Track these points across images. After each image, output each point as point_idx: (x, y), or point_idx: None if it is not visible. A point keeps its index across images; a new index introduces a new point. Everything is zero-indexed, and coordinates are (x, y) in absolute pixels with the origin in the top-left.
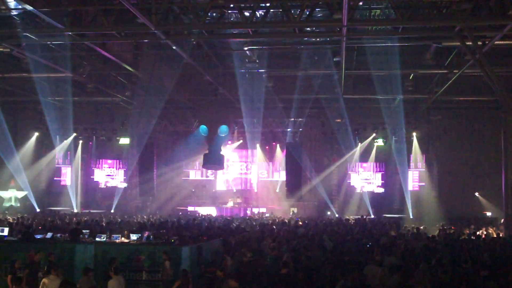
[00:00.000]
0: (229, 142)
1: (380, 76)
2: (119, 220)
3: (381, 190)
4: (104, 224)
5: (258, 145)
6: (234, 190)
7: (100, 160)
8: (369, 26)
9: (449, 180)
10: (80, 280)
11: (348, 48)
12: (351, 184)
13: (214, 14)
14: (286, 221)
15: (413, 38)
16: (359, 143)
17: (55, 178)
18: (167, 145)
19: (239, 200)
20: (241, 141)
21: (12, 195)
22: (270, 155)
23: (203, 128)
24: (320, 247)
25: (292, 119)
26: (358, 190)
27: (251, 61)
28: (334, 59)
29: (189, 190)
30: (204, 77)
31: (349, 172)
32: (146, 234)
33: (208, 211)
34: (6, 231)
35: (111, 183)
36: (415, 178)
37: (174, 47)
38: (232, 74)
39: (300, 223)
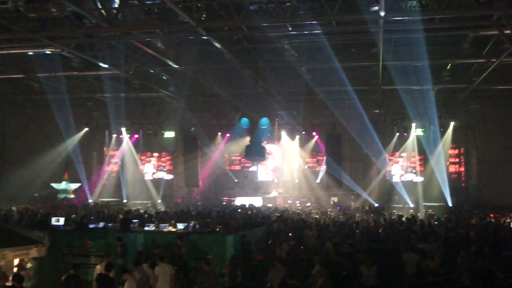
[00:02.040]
0: (269, 134)
1: (417, 66)
2: (166, 210)
3: (420, 179)
4: (152, 214)
5: (298, 137)
6: (276, 181)
7: (147, 153)
8: (406, 17)
9: (488, 169)
10: (137, 268)
11: (385, 39)
12: (390, 173)
13: (253, 9)
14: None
15: (450, 28)
16: (397, 133)
17: (105, 171)
18: (211, 137)
19: (281, 190)
20: (282, 133)
21: (66, 187)
22: (310, 146)
23: (244, 120)
24: (364, 234)
25: (331, 110)
26: (396, 180)
27: (290, 55)
28: (372, 51)
29: (232, 181)
30: (245, 71)
31: (387, 162)
32: (192, 223)
33: (250, 201)
34: (62, 221)
35: (158, 175)
36: (452, 167)
37: (215, 43)
38: (271, 67)
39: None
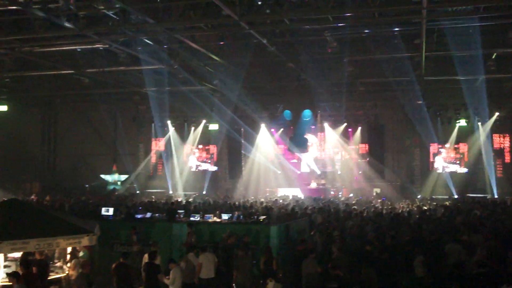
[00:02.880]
0: (312, 126)
1: (461, 56)
2: (211, 201)
3: (464, 170)
4: (197, 205)
5: (340, 128)
6: (318, 172)
7: (192, 145)
8: (449, 7)
9: None
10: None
11: (428, 30)
12: (433, 164)
13: (295, 1)
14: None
15: (495, 17)
16: (441, 124)
17: (152, 163)
18: (253, 129)
19: (323, 181)
20: (324, 124)
21: (115, 179)
22: (352, 138)
23: (287, 113)
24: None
25: (373, 101)
26: (440, 171)
27: (332, 47)
28: (414, 42)
29: (275, 172)
30: (287, 64)
31: (431, 153)
32: (236, 214)
33: (293, 192)
34: (111, 211)
35: (202, 167)
36: (498, 157)
37: (257, 36)
38: (313, 60)
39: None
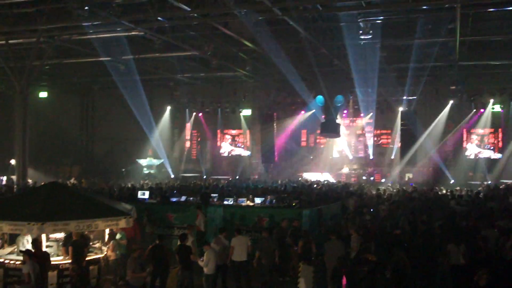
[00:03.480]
0: (345, 111)
1: (497, 41)
2: (244, 185)
3: (498, 155)
4: (230, 189)
5: (372, 114)
6: (350, 157)
7: (225, 130)
8: None
9: None
10: (214, 239)
11: (463, 14)
12: (467, 150)
13: None
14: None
15: None
16: (475, 109)
17: (186, 148)
18: (286, 115)
19: (355, 166)
20: (356, 109)
21: (150, 163)
22: (384, 123)
23: (319, 98)
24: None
25: (406, 87)
26: (473, 156)
27: (365, 32)
28: (449, 26)
29: (307, 157)
30: (320, 50)
31: (464, 138)
32: (269, 198)
33: (325, 177)
34: (147, 194)
35: (236, 152)
36: None
37: (290, 23)
38: (346, 45)
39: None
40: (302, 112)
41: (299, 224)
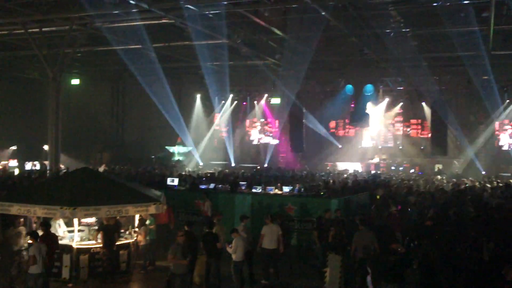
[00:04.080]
0: (374, 100)
1: None
2: (272, 173)
3: None
4: (259, 177)
5: (402, 103)
6: (380, 147)
7: (254, 118)
8: None
9: None
10: (240, 227)
11: (497, 2)
12: (499, 141)
13: None
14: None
15: None
16: (508, 100)
17: (215, 135)
18: (315, 104)
19: (384, 156)
20: (386, 99)
21: (179, 150)
22: (414, 113)
23: (349, 87)
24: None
25: (437, 77)
26: (506, 148)
27: (396, 21)
28: (482, 15)
29: (336, 146)
30: (350, 38)
31: (496, 129)
32: (297, 186)
33: (354, 166)
34: (176, 181)
35: (264, 140)
36: None
37: (320, 11)
38: (376, 34)
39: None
40: (331, 100)
41: (341, 214)
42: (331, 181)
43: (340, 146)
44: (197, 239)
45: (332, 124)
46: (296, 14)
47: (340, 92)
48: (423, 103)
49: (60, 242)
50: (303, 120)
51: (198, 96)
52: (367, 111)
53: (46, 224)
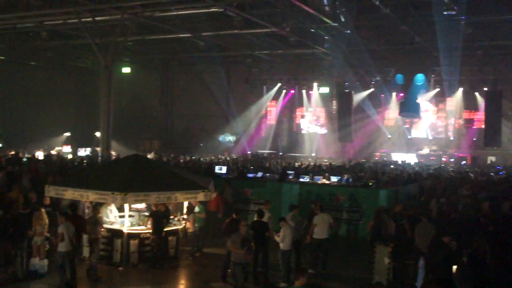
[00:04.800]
0: (425, 90)
1: None
2: (320, 163)
3: None
4: (306, 166)
5: (455, 93)
6: (430, 138)
7: (302, 108)
8: None
9: None
10: (288, 216)
11: None
12: None
13: None
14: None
15: None
16: None
17: (262, 124)
18: (365, 93)
19: (434, 147)
20: (437, 89)
21: (227, 139)
22: (467, 103)
23: (399, 77)
24: None
25: (492, 66)
26: None
27: (449, 8)
28: None
29: (385, 137)
30: (401, 27)
31: None
32: (345, 176)
33: (403, 157)
34: (224, 169)
35: (312, 129)
36: None
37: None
38: (429, 22)
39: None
40: (381, 90)
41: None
42: (380, 171)
43: (389, 136)
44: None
45: (382, 114)
46: (346, 2)
47: (390, 81)
48: (476, 93)
49: (110, 227)
50: (352, 110)
51: (247, 84)
52: (417, 101)
53: (73, 206)
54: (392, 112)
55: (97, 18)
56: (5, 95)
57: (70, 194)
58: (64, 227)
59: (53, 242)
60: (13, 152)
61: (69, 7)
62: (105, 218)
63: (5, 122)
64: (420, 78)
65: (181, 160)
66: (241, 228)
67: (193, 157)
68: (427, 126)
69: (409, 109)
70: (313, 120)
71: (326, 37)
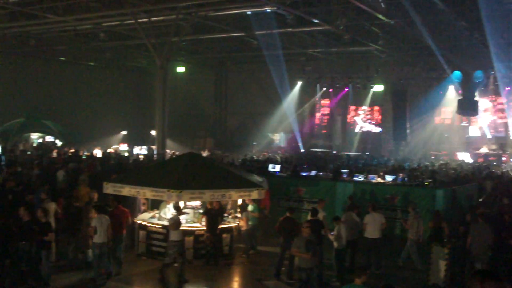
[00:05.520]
0: (482, 88)
1: None
2: (375, 161)
3: None
4: (360, 165)
5: None
6: (489, 137)
7: (356, 106)
8: None
9: None
10: (345, 214)
11: None
12: None
13: None
14: None
15: None
16: None
17: (316, 122)
18: (420, 91)
19: (493, 147)
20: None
21: (280, 137)
22: None
23: (456, 74)
24: None
25: None
26: None
27: (509, 1)
28: None
29: (442, 135)
30: (458, 22)
31: None
32: (400, 176)
33: (461, 156)
34: (277, 167)
35: (366, 128)
36: None
37: None
38: (488, 17)
39: None
40: (437, 87)
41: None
42: (436, 170)
43: (446, 135)
44: (298, 225)
45: (438, 112)
46: None
47: (447, 78)
48: None
49: (166, 223)
50: (407, 108)
51: (300, 83)
52: (476, 98)
53: (117, 199)
54: (449, 110)
55: (152, 19)
56: (66, 95)
57: (127, 191)
58: (97, 220)
59: (90, 234)
60: (72, 150)
61: (126, 9)
62: (162, 215)
63: (66, 121)
64: (478, 75)
65: (235, 158)
66: (303, 230)
67: (247, 155)
68: (486, 125)
69: (467, 107)
70: (367, 119)
71: (381, 34)
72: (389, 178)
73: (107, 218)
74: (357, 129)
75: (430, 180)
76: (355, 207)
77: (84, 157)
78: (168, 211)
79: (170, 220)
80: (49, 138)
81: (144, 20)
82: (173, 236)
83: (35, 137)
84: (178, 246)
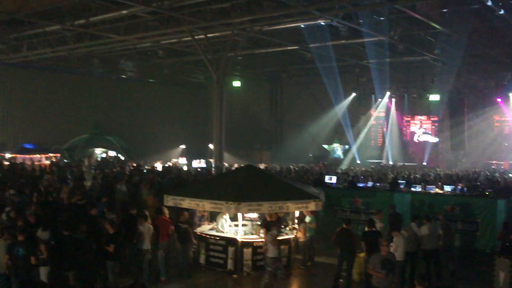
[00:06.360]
0: None
1: None
2: (432, 172)
3: None
4: (419, 176)
5: None
6: None
7: (412, 116)
8: None
9: None
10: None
11: None
12: None
13: None
14: None
15: None
16: None
17: (372, 134)
18: (477, 100)
19: None
20: None
21: (337, 149)
22: None
23: None
24: None
25: None
26: None
27: None
28: None
29: (502, 144)
30: None
31: None
32: (459, 186)
33: None
34: (334, 179)
35: (423, 138)
36: None
37: (483, 0)
38: None
39: None
40: (496, 96)
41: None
42: (497, 180)
43: (506, 144)
44: (354, 237)
45: (497, 120)
46: (456, 6)
47: (506, 86)
48: None
49: (224, 235)
50: (465, 117)
51: (355, 94)
52: None
53: (158, 210)
54: (508, 118)
55: (209, 35)
56: (127, 111)
57: (187, 203)
58: (144, 228)
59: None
60: (135, 164)
61: (183, 26)
62: (219, 227)
63: (128, 136)
64: None
65: (291, 170)
66: (381, 248)
67: (303, 166)
68: None
69: None
70: (424, 129)
71: (436, 43)
72: (447, 188)
73: (151, 227)
74: (414, 139)
75: (490, 190)
76: (415, 217)
77: (145, 171)
78: (225, 222)
79: (268, 236)
80: (112, 153)
81: (200, 36)
82: (271, 253)
83: (99, 152)
84: (277, 263)
